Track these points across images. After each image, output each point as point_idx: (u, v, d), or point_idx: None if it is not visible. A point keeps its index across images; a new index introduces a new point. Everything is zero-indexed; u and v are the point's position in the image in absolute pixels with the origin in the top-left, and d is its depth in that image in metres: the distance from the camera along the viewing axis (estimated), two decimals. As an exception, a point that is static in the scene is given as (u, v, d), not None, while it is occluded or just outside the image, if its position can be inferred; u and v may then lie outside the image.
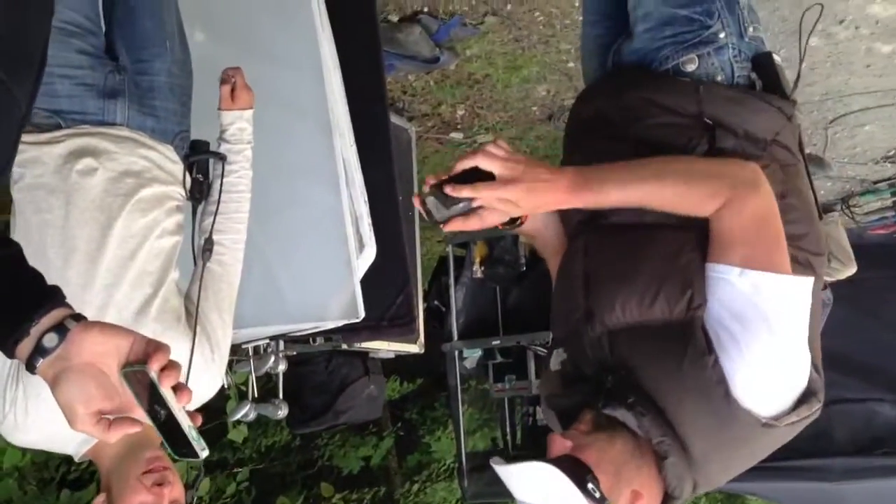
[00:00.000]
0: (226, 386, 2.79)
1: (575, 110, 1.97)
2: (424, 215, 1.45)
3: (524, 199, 1.41)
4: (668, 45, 1.70)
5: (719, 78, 1.67)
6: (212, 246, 2.03)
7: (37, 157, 1.82)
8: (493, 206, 1.43)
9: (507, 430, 5.97)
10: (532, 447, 5.76)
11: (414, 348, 4.41)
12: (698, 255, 1.45)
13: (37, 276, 1.12)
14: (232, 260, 2.06)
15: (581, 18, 2.20)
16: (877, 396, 4.96)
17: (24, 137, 1.79)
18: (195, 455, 1.12)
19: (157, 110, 1.99)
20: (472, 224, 1.44)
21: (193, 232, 2.09)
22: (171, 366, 1.09)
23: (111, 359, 1.08)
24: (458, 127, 4.83)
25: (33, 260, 1.14)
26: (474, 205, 1.42)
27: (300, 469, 7.31)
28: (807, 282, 1.42)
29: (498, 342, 5.35)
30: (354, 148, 2.79)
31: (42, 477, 4.25)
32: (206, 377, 1.93)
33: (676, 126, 1.61)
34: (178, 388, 1.09)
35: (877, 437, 4.86)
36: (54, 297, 1.10)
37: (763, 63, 1.69)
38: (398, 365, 6.45)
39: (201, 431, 1.13)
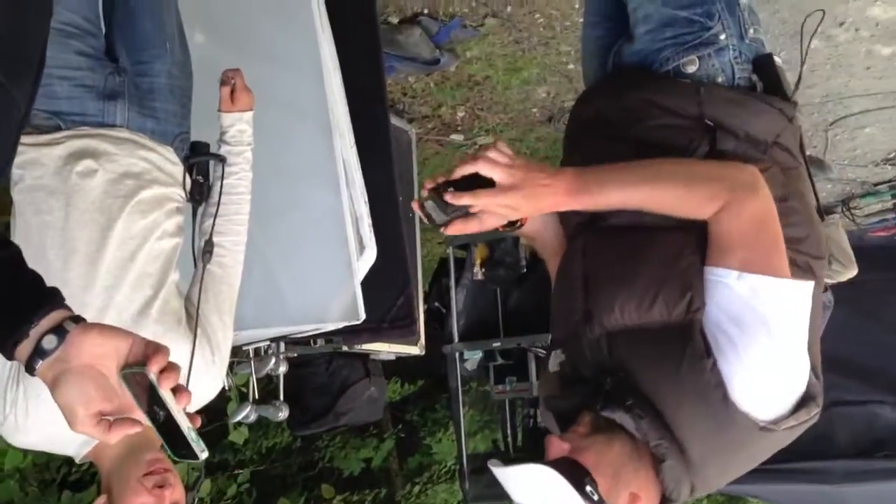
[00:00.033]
0: (226, 387, 2.79)
1: (575, 111, 1.96)
2: (424, 219, 1.45)
3: (524, 204, 1.42)
4: (669, 47, 1.70)
5: (720, 79, 1.67)
6: (212, 248, 2.03)
7: (36, 159, 1.82)
8: (493, 212, 1.42)
9: (508, 431, 5.96)
10: (533, 449, 5.75)
11: (415, 350, 4.41)
12: (698, 258, 1.44)
13: (36, 278, 1.12)
14: (232, 262, 2.06)
15: (581, 20, 2.20)
16: (878, 399, 4.96)
17: (24, 139, 1.79)
18: (195, 456, 1.11)
19: (157, 112, 1.99)
20: (471, 227, 1.44)
21: (193, 234, 2.09)
22: (171, 367, 1.09)
23: (110, 360, 1.08)
24: (459, 129, 4.83)
25: (33, 261, 1.14)
26: (473, 210, 1.42)
27: (301, 470, 7.30)
28: (806, 286, 1.42)
29: (499, 344, 5.34)
30: (354, 149, 2.79)
31: (43, 478, 4.25)
32: (206, 379, 1.93)
33: (677, 127, 1.61)
34: (177, 390, 1.09)
35: (878, 439, 4.85)
36: (53, 298, 1.10)
37: (764, 65, 1.69)
38: (399, 367, 6.45)
39: (202, 433, 1.12)
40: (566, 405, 1.57)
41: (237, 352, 3.17)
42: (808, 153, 1.73)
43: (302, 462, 7.32)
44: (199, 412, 1.90)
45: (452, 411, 5.68)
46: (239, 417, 3.27)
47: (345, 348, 3.78)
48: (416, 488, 8.24)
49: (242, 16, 2.76)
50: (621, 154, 1.55)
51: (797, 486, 4.74)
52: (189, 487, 1.93)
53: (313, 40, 2.67)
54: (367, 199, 2.79)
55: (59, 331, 1.07)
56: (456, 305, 5.50)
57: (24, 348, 1.06)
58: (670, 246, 1.48)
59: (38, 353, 1.06)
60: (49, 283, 1.13)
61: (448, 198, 1.39)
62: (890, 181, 5.78)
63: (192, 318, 1.92)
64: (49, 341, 1.06)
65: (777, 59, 1.71)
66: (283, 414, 3.37)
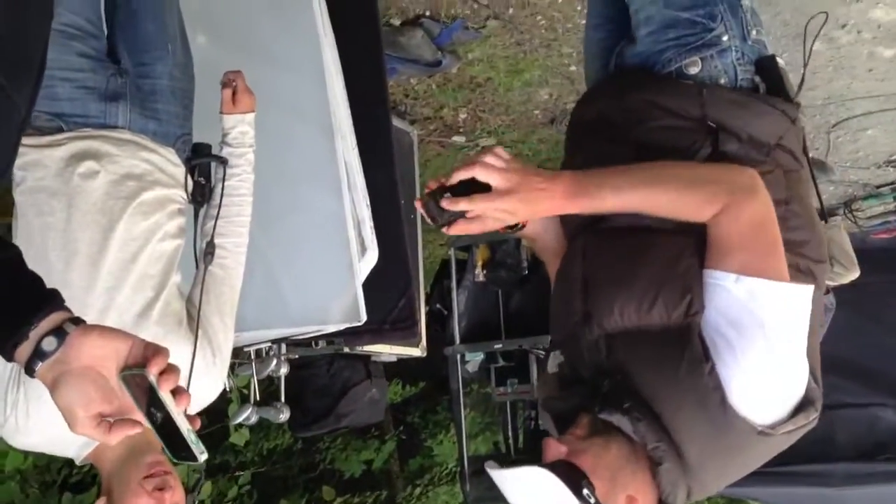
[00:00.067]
0: (227, 389, 2.79)
1: (577, 112, 1.96)
2: (427, 219, 1.45)
3: (521, 208, 1.42)
4: (671, 48, 1.69)
5: (723, 81, 1.66)
6: (213, 249, 2.03)
7: (38, 161, 1.82)
8: (490, 217, 1.42)
9: (510, 433, 5.96)
10: (534, 451, 5.74)
11: (416, 352, 4.41)
12: (696, 261, 1.44)
13: (36, 280, 1.12)
14: (234, 263, 2.06)
15: (583, 22, 2.20)
16: (879, 401, 4.94)
17: (26, 140, 1.79)
18: (194, 458, 1.11)
19: (159, 113, 1.99)
20: (474, 228, 1.44)
21: (195, 235, 2.09)
22: (170, 369, 1.09)
23: (110, 362, 1.08)
24: (460, 130, 4.83)
25: (35, 263, 1.14)
26: (470, 216, 1.42)
27: (302, 472, 7.30)
28: (805, 290, 1.41)
29: (500, 346, 5.34)
30: (356, 151, 2.79)
31: (44, 480, 4.25)
32: (207, 381, 1.93)
33: (679, 129, 1.61)
34: (176, 392, 1.09)
35: (879, 442, 4.84)
36: (53, 300, 1.10)
37: (767, 66, 1.69)
38: (400, 368, 6.46)
39: (203, 434, 1.12)
40: (564, 407, 1.57)
41: (238, 353, 3.17)
42: (810, 155, 1.73)
43: (303, 464, 7.32)
44: (199, 413, 1.90)
45: (454, 413, 5.68)
46: (240, 419, 3.27)
47: (346, 350, 3.79)
48: (417, 490, 8.23)
49: (244, 17, 2.76)
50: (623, 155, 1.55)
51: (798, 488, 4.73)
52: (190, 489, 1.92)
53: (315, 42, 2.67)
54: (368, 201, 2.79)
55: (59, 332, 1.07)
56: (457, 307, 5.50)
57: (24, 350, 1.06)
58: (670, 248, 1.47)
59: (38, 354, 1.06)
60: (50, 284, 1.13)
61: (444, 203, 1.40)
62: (892, 183, 5.78)
63: (194, 319, 1.92)
64: (49, 343, 1.06)
65: (780, 61, 1.70)
66: (284, 415, 3.37)
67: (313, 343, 3.40)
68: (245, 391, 3.54)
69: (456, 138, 4.89)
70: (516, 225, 1.54)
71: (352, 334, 3.07)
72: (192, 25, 2.18)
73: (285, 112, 2.64)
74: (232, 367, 3.17)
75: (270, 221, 2.50)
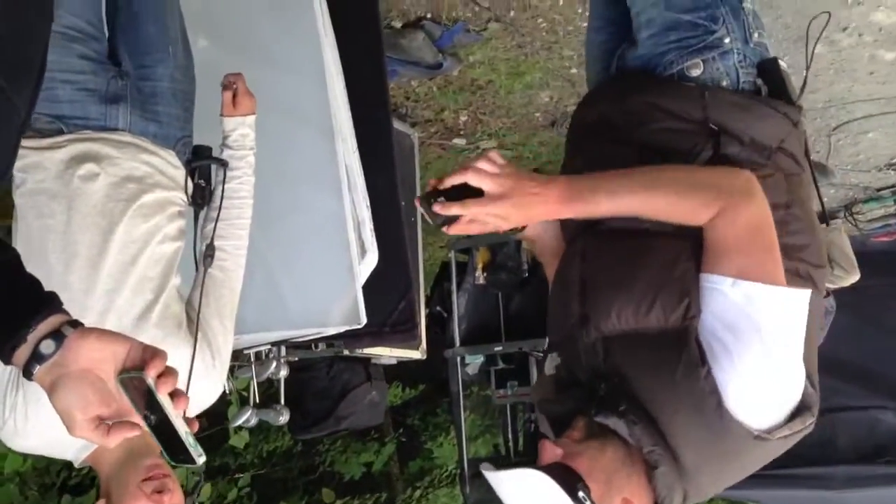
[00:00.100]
0: (227, 391, 2.79)
1: (578, 114, 1.95)
2: (428, 218, 1.45)
3: (513, 213, 1.40)
4: (673, 50, 1.69)
5: (724, 83, 1.66)
6: (213, 252, 2.03)
7: (38, 163, 1.82)
8: (483, 221, 1.41)
9: (510, 436, 5.95)
10: (534, 454, 5.71)
11: (416, 354, 4.40)
12: (694, 265, 1.44)
13: (34, 283, 1.12)
14: (234, 266, 2.06)
15: (584, 25, 2.19)
16: (880, 404, 4.93)
17: (26, 143, 1.80)
18: (192, 461, 1.11)
19: (160, 116, 1.99)
20: (473, 228, 1.44)
21: (195, 237, 2.09)
22: (168, 372, 1.08)
23: (108, 365, 1.08)
24: (461, 133, 4.83)
25: (35, 265, 1.14)
26: (462, 221, 1.41)
27: (302, 475, 7.30)
28: (802, 294, 1.41)
29: (500, 348, 5.33)
30: (357, 153, 2.79)
31: (43, 482, 4.25)
32: (206, 383, 1.93)
33: (681, 131, 1.60)
34: (174, 395, 1.09)
35: (880, 445, 4.83)
36: (51, 303, 1.10)
37: (769, 69, 1.68)
38: (400, 371, 6.45)
39: (203, 437, 1.12)
40: (561, 409, 1.57)
41: (238, 356, 3.17)
42: (811, 158, 1.73)
43: (303, 466, 7.31)
44: (199, 416, 1.90)
45: (454, 415, 5.68)
46: (240, 421, 3.27)
47: (346, 352, 3.78)
48: (417, 493, 8.22)
49: (245, 20, 2.76)
50: (625, 157, 1.54)
51: (798, 491, 4.73)
52: (189, 491, 1.92)
53: (316, 44, 2.67)
54: (368, 204, 2.79)
55: (57, 335, 1.06)
56: (457, 309, 5.49)
57: (22, 353, 1.06)
58: (668, 251, 1.47)
59: (36, 357, 1.06)
60: (50, 286, 1.13)
61: (437, 208, 1.39)
62: (893, 186, 5.77)
63: (193, 322, 1.92)
64: (47, 346, 1.06)
65: (782, 63, 1.70)
66: (284, 418, 3.37)
67: (313, 345, 3.40)
68: (245, 393, 3.54)
69: (457, 141, 4.89)
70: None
71: (352, 337, 3.07)
72: (192, 28, 2.18)
73: (286, 114, 2.64)
74: (232, 370, 3.16)
75: (270, 223, 2.50)
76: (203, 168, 2.08)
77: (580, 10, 3.60)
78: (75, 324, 1.09)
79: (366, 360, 4.60)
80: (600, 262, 1.58)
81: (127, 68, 1.96)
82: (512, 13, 3.66)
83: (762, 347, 1.35)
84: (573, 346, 1.55)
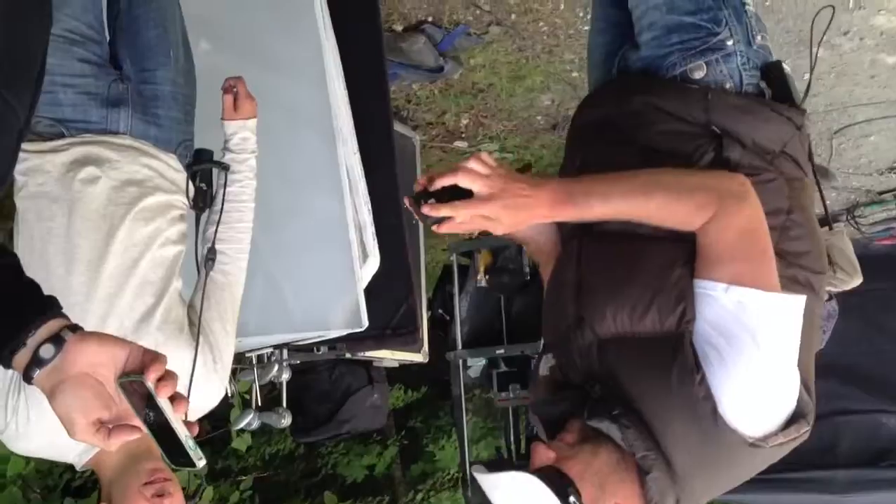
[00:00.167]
0: (229, 394, 2.79)
1: (579, 115, 1.94)
2: (417, 217, 1.43)
3: (503, 215, 1.39)
4: (676, 52, 1.68)
5: (728, 86, 1.65)
6: (215, 255, 2.03)
7: (40, 166, 1.83)
8: (472, 223, 1.40)
9: (511, 439, 5.95)
10: (536, 457, 5.72)
11: (418, 357, 4.39)
12: (690, 270, 1.42)
13: (34, 287, 1.12)
14: (235, 269, 2.06)
15: (585, 28, 2.19)
16: (882, 408, 4.92)
17: (27, 146, 1.80)
18: (192, 465, 1.11)
19: (161, 119, 1.99)
20: (464, 228, 1.41)
21: (196, 241, 2.09)
22: (168, 376, 1.09)
23: (108, 369, 1.08)
24: (463, 136, 4.83)
25: (36, 268, 1.14)
26: (453, 221, 1.40)
27: (304, 478, 7.29)
28: (797, 300, 1.40)
29: (502, 351, 5.33)
30: (358, 156, 2.79)
31: (46, 484, 4.24)
32: (208, 387, 1.93)
33: (683, 133, 1.59)
34: (175, 398, 1.09)
35: (882, 448, 4.82)
36: (51, 307, 1.10)
37: (773, 72, 1.68)
38: (402, 374, 6.44)
39: (205, 440, 1.12)
40: (554, 411, 1.56)
41: (240, 359, 3.17)
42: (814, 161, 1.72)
43: (305, 469, 7.31)
44: (201, 419, 1.90)
45: (456, 418, 5.67)
46: (242, 424, 3.27)
47: (348, 355, 3.78)
48: (420, 496, 8.20)
49: (246, 23, 2.76)
50: (626, 158, 1.54)
51: (800, 495, 4.72)
52: (191, 495, 1.92)
53: (317, 47, 2.67)
54: (370, 207, 2.79)
55: (57, 340, 1.06)
56: (459, 312, 5.49)
57: (22, 357, 1.06)
58: (665, 255, 1.46)
59: (36, 362, 1.06)
60: (51, 290, 1.13)
61: (425, 210, 1.37)
62: (895, 189, 5.76)
63: (195, 325, 1.92)
64: (46, 350, 1.06)
65: (786, 66, 1.69)
66: (286, 421, 3.37)
67: (315, 349, 3.40)
68: (247, 396, 3.54)
69: (458, 144, 4.89)
70: None
71: (354, 340, 3.06)
72: (194, 31, 2.18)
73: (287, 117, 2.64)
74: (234, 373, 3.17)
75: (272, 227, 2.50)
76: (204, 171, 2.08)
77: (581, 14, 3.61)
78: (75, 328, 1.09)
79: (368, 363, 4.60)
80: (596, 265, 1.56)
81: (128, 72, 1.97)
82: (513, 17, 3.66)
83: (756, 353, 1.34)
84: (568, 347, 1.55)
